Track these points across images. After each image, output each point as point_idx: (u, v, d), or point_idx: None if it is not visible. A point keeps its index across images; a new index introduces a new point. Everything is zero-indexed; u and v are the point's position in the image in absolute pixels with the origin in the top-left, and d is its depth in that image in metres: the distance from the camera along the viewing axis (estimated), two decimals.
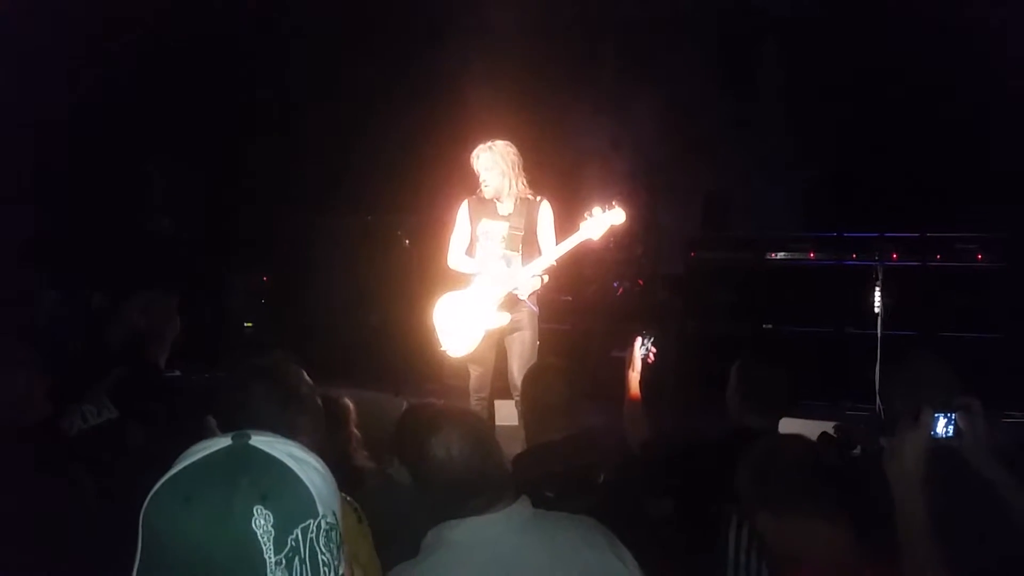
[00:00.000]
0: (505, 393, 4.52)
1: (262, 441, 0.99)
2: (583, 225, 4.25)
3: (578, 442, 2.75)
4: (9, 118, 5.47)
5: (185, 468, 0.97)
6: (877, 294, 5.42)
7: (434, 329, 4.37)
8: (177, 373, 4.90)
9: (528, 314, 4.35)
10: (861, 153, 6.71)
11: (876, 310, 5.40)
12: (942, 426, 1.68)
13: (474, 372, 4.38)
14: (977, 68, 5.80)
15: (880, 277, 5.44)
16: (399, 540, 1.98)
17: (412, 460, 1.95)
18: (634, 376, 3.33)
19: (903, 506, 1.62)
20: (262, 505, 0.93)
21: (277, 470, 0.97)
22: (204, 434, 1.03)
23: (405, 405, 4.34)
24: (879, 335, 5.32)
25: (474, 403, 4.31)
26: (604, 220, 4.25)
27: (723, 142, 7.31)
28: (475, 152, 4.34)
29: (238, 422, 1.06)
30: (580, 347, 6.73)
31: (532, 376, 2.99)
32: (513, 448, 2.91)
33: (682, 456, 2.92)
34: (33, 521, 2.17)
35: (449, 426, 1.87)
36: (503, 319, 4.28)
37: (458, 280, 4.48)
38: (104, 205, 7.07)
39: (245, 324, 7.23)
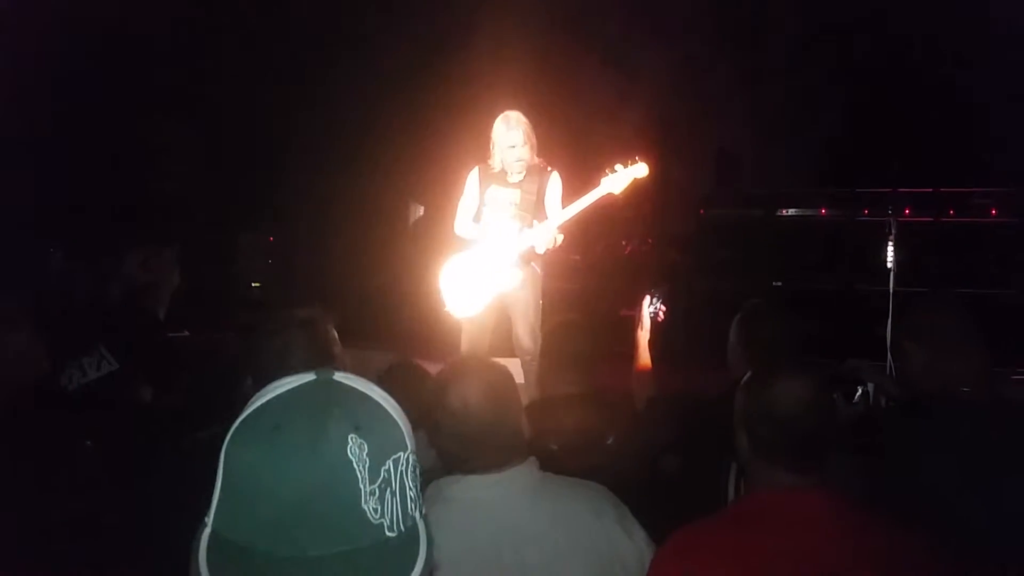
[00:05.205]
0: (508, 353, 4.48)
1: (345, 377, 0.97)
2: (604, 180, 4.17)
3: (591, 400, 2.71)
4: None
5: (270, 400, 0.94)
6: (890, 249, 5.35)
7: (440, 291, 4.33)
8: (185, 333, 4.89)
9: (531, 275, 4.30)
10: (874, 108, 6.60)
11: (888, 266, 5.34)
12: None
13: (467, 332, 4.32)
14: (995, 21, 5.66)
15: (893, 232, 5.37)
16: None
17: (429, 406, 1.82)
18: (643, 335, 3.31)
19: None
20: (356, 434, 0.91)
21: (367, 402, 0.95)
22: (240, 394, 0.99)
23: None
24: (891, 291, 5.27)
25: None
26: (627, 175, 4.18)
27: (733, 97, 7.19)
28: (497, 128, 4.23)
29: (276, 375, 1.01)
30: (589, 306, 6.71)
31: (555, 329, 2.94)
32: None
33: (689, 412, 2.90)
34: (36, 483, 2.17)
35: (471, 377, 1.78)
36: (508, 280, 4.23)
37: (463, 242, 4.42)
38: (107, 164, 7.03)
39: (252, 284, 7.23)
